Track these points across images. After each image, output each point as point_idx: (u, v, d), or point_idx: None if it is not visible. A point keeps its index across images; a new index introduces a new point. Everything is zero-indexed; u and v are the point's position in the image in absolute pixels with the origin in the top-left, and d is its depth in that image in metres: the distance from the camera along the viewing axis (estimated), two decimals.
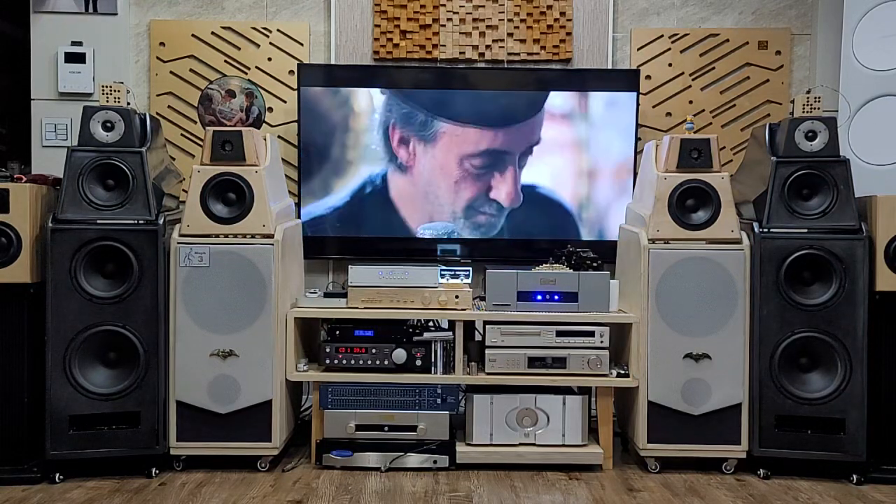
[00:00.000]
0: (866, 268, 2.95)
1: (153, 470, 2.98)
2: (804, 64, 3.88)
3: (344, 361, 3.14)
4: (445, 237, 3.71)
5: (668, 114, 3.88)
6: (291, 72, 3.82)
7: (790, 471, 3.06)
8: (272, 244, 3.01)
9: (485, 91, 3.69)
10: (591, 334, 3.13)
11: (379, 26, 3.83)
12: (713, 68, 3.86)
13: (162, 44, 3.84)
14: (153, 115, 3.27)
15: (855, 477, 2.98)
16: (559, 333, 3.12)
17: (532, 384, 3.11)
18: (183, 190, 3.42)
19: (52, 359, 2.87)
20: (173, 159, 3.61)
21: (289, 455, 3.24)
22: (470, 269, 3.34)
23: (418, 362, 3.14)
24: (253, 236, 3.04)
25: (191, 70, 3.85)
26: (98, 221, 2.93)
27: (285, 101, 3.86)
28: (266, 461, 3.05)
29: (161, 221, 2.95)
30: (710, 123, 3.86)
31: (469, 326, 3.23)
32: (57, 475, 2.91)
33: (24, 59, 3.78)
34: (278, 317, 3.02)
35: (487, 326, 3.15)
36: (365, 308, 3.15)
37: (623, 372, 3.13)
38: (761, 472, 3.04)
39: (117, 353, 2.94)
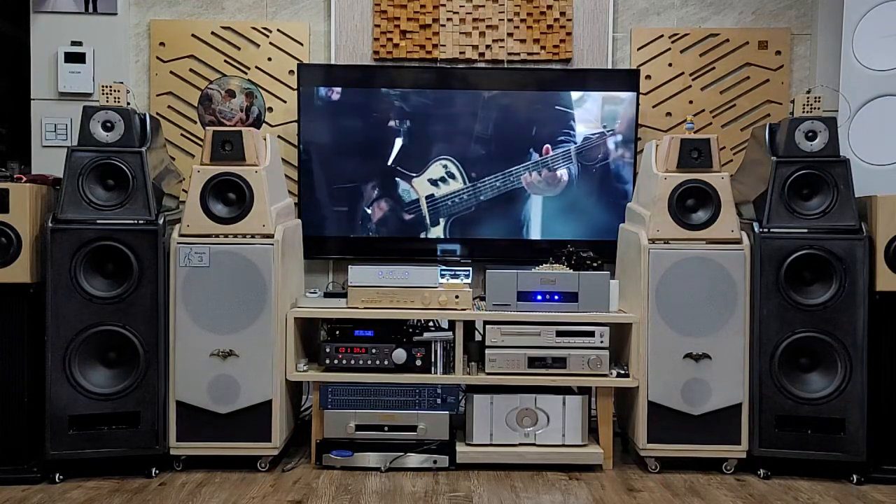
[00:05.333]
0: (866, 268, 2.95)
1: (153, 470, 2.98)
2: (804, 64, 3.88)
3: (344, 361, 3.14)
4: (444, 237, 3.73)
5: (668, 114, 3.88)
6: (291, 72, 3.82)
7: (790, 471, 3.06)
8: (272, 244, 3.01)
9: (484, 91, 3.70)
10: (591, 334, 3.13)
11: (379, 26, 3.83)
12: (713, 68, 3.86)
13: (162, 44, 3.84)
14: (153, 115, 3.27)
15: (855, 477, 2.98)
16: (559, 333, 3.12)
17: (532, 384, 3.11)
18: (183, 190, 3.42)
19: (52, 359, 2.87)
20: (173, 159, 3.61)
21: (289, 455, 3.24)
22: (470, 269, 3.34)
23: (418, 362, 3.14)
24: (253, 236, 3.04)
25: (191, 70, 3.84)
26: (98, 221, 2.93)
27: (285, 101, 3.85)
28: (266, 461, 3.05)
29: (161, 221, 2.95)
30: (710, 123, 3.86)
31: (469, 326, 3.23)
32: (57, 475, 2.91)
33: (24, 59, 3.78)
34: (278, 317, 3.02)
35: (487, 326, 3.15)
36: (365, 308, 3.15)
37: (623, 372, 3.13)
38: (761, 472, 3.04)
39: (117, 353, 2.94)
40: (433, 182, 3.71)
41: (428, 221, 3.73)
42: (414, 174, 3.72)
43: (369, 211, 3.73)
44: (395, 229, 3.74)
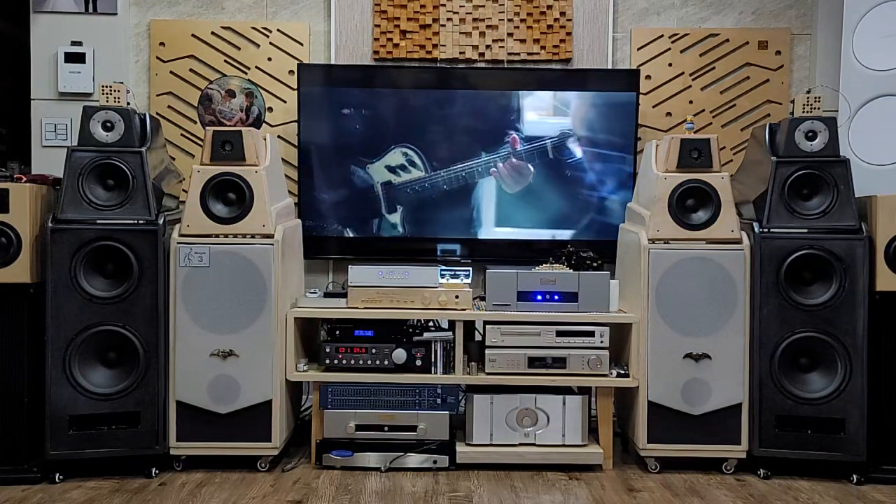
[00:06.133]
0: (866, 268, 2.95)
1: (153, 470, 2.98)
2: (804, 64, 3.88)
3: (344, 361, 3.14)
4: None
5: (668, 114, 3.88)
6: (291, 72, 3.82)
7: (790, 471, 3.06)
8: (272, 244, 3.01)
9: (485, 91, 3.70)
10: (591, 334, 3.13)
11: (379, 26, 3.83)
12: (713, 68, 3.86)
13: (162, 44, 3.84)
14: (153, 115, 3.27)
15: (855, 477, 2.98)
16: (559, 333, 3.12)
17: (532, 384, 3.11)
18: (183, 190, 3.42)
19: (52, 359, 2.87)
20: (173, 159, 3.61)
21: (289, 455, 3.24)
22: (470, 269, 3.34)
23: (418, 362, 3.14)
24: (253, 236, 3.04)
25: (191, 70, 3.84)
26: (98, 221, 2.93)
27: (285, 101, 3.85)
28: (266, 461, 3.05)
29: (161, 221, 2.95)
30: (710, 123, 3.86)
31: (469, 326, 3.23)
32: (57, 475, 2.91)
33: (24, 59, 3.78)
34: (278, 317, 3.02)
35: (487, 326, 3.15)
36: (365, 308, 3.15)
37: (623, 372, 3.13)
38: (761, 472, 3.04)
39: (117, 353, 2.94)
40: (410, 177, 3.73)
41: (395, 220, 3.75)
42: (417, 173, 3.72)
43: (369, 211, 3.73)
44: (395, 229, 3.73)
